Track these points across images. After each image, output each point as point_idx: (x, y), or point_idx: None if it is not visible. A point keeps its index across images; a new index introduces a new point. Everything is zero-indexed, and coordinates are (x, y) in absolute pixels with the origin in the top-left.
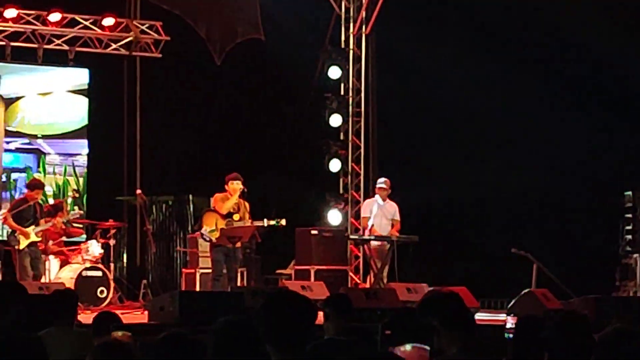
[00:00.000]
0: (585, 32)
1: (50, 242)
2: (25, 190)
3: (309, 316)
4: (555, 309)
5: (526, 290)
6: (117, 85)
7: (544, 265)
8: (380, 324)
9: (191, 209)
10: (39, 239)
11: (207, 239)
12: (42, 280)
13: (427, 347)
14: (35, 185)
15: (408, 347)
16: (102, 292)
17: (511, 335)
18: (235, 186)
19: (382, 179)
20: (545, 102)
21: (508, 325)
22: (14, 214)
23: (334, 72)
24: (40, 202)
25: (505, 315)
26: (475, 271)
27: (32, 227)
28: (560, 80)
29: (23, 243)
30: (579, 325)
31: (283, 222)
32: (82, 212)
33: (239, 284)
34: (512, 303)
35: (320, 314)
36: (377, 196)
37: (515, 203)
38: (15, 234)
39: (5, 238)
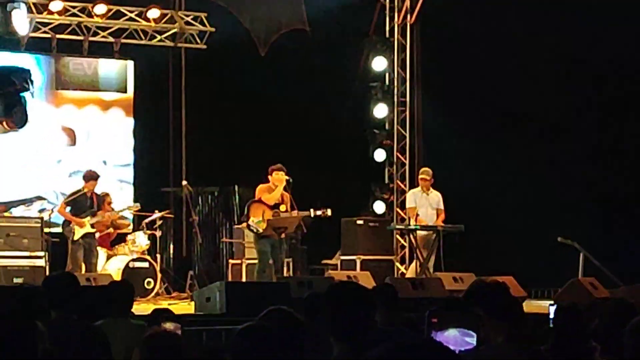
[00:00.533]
0: None
1: (97, 234)
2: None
3: (370, 307)
4: (603, 298)
5: (573, 279)
6: (162, 76)
7: (590, 254)
8: (428, 311)
9: (237, 199)
10: (94, 230)
11: (255, 230)
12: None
13: (473, 333)
14: (91, 177)
15: (452, 332)
16: (149, 283)
17: None
18: (281, 177)
19: (424, 169)
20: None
21: (552, 315)
22: (70, 205)
23: (379, 62)
24: (96, 193)
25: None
26: (522, 260)
27: (88, 217)
28: None
29: (78, 234)
30: (628, 314)
31: (329, 212)
32: (139, 205)
33: (285, 274)
34: (559, 292)
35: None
36: (420, 186)
37: (563, 191)
38: (70, 225)
39: (60, 230)
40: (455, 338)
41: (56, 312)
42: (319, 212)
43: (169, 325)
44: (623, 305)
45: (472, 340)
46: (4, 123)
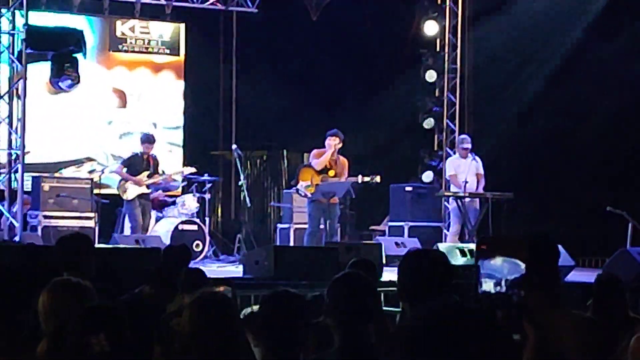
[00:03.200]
0: None
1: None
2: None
3: (447, 274)
4: None
5: (621, 249)
6: (213, 40)
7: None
8: (478, 239)
9: (285, 164)
10: (149, 191)
11: (303, 194)
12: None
13: (520, 262)
14: (147, 139)
15: (499, 260)
16: (197, 245)
17: None
18: (331, 142)
19: (462, 137)
20: None
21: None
22: (126, 166)
23: (430, 28)
24: (152, 156)
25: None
26: (571, 229)
27: (145, 178)
28: None
29: (133, 193)
30: None
31: (378, 179)
32: (194, 169)
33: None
34: (607, 262)
35: None
36: (458, 154)
37: (612, 160)
38: (126, 184)
39: (109, 192)
40: (502, 266)
41: (69, 273)
42: (367, 179)
43: (221, 288)
44: None
45: (520, 268)
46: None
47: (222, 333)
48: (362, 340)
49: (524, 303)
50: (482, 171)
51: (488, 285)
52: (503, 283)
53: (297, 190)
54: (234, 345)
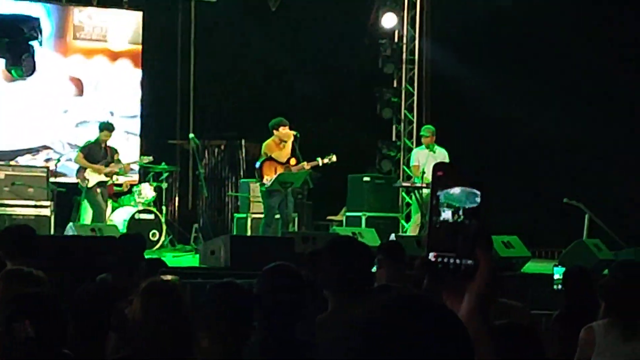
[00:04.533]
0: None
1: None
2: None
3: (368, 263)
4: (608, 260)
5: (578, 240)
6: (171, 29)
7: (596, 216)
8: (433, 165)
9: (243, 154)
10: (107, 179)
11: (269, 187)
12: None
13: (477, 191)
14: (106, 127)
15: (457, 189)
16: (154, 235)
17: (560, 287)
18: (286, 131)
19: (424, 127)
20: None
21: (556, 277)
22: (85, 153)
23: (389, 19)
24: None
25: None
26: (527, 220)
27: (103, 167)
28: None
29: (93, 181)
30: (637, 276)
31: (334, 158)
32: (151, 158)
33: (290, 229)
34: (563, 253)
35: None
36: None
37: (569, 151)
38: (85, 173)
39: (65, 180)
40: (461, 196)
41: (12, 263)
42: (325, 160)
43: (168, 278)
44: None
45: (477, 197)
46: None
47: (171, 321)
48: (285, 336)
49: (479, 232)
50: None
51: (447, 214)
52: (461, 212)
53: (263, 185)
54: (183, 333)
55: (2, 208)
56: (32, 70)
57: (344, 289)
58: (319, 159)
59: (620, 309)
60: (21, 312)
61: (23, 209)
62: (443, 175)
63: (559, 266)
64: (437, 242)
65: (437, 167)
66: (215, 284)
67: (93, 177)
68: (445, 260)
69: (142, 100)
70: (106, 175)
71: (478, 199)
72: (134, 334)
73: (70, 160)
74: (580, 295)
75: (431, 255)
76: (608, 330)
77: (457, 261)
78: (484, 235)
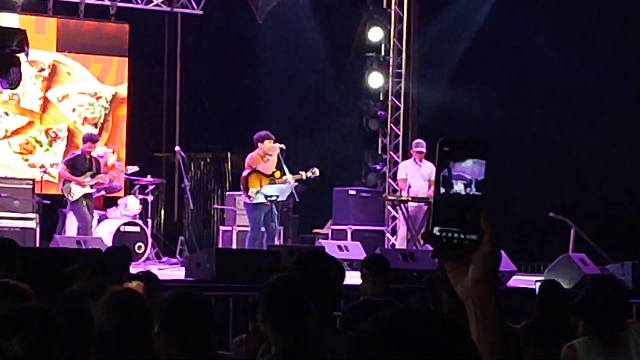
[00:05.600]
0: None
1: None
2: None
3: (338, 276)
4: (593, 275)
5: (564, 255)
6: (157, 41)
7: (582, 230)
8: (439, 141)
9: (229, 166)
10: (93, 191)
11: (254, 200)
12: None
13: (483, 161)
14: (90, 139)
15: (469, 162)
16: (139, 247)
17: None
18: (271, 144)
19: (417, 141)
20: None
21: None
22: (69, 166)
23: (375, 33)
24: (93, 156)
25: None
26: (513, 234)
27: (88, 178)
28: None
29: (77, 194)
30: (612, 291)
31: (317, 172)
32: (137, 168)
33: (276, 242)
34: (549, 267)
35: (358, 274)
36: (413, 158)
37: (555, 165)
38: (70, 185)
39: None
40: (472, 168)
41: None
42: (308, 174)
43: (132, 284)
44: (609, 281)
45: (484, 170)
46: None
47: (133, 328)
48: (301, 344)
49: (483, 204)
50: (434, 177)
51: (459, 187)
52: (473, 185)
53: (250, 198)
54: (145, 339)
55: None
56: (18, 82)
57: (301, 308)
58: (303, 173)
59: (599, 326)
60: (9, 331)
61: (8, 221)
62: (449, 151)
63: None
64: (441, 216)
65: (444, 142)
66: (172, 294)
67: (78, 189)
68: (450, 234)
69: (128, 113)
70: (91, 187)
71: (483, 171)
72: (100, 343)
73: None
74: (552, 308)
75: (436, 230)
76: (590, 348)
77: (462, 236)
78: (488, 208)
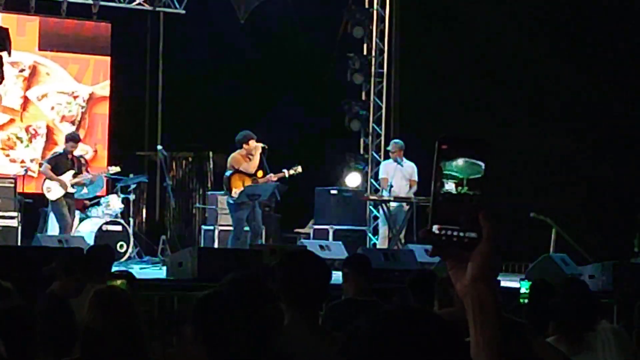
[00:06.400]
0: None
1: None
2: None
3: (324, 277)
4: (575, 274)
5: (544, 255)
6: (140, 40)
7: (563, 231)
8: (438, 139)
9: (211, 165)
10: (74, 191)
11: (237, 199)
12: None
13: (480, 163)
14: (72, 138)
15: (461, 161)
16: (121, 246)
17: (526, 300)
18: (254, 144)
19: (393, 141)
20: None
21: (522, 291)
22: (51, 164)
23: (357, 32)
24: (76, 155)
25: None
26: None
27: (70, 178)
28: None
29: (58, 193)
30: (579, 294)
31: (299, 169)
32: (119, 168)
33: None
34: (529, 267)
35: (339, 274)
36: (391, 157)
37: (537, 167)
38: (51, 184)
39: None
40: (464, 167)
41: None
42: (291, 171)
43: (117, 282)
44: (578, 283)
45: (480, 169)
46: None
47: (121, 325)
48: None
49: (482, 203)
50: (415, 177)
51: (450, 186)
52: (465, 183)
53: (232, 198)
54: (135, 335)
55: None
56: (1, 79)
57: (298, 302)
58: (285, 171)
59: (565, 326)
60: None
61: None
62: (447, 148)
63: (525, 280)
64: (440, 215)
65: (442, 140)
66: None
67: (58, 189)
68: (449, 232)
69: (110, 111)
70: (72, 186)
71: (482, 170)
72: (85, 339)
73: (40, 171)
74: (541, 309)
75: (435, 228)
76: (558, 344)
77: (461, 234)
78: (487, 206)
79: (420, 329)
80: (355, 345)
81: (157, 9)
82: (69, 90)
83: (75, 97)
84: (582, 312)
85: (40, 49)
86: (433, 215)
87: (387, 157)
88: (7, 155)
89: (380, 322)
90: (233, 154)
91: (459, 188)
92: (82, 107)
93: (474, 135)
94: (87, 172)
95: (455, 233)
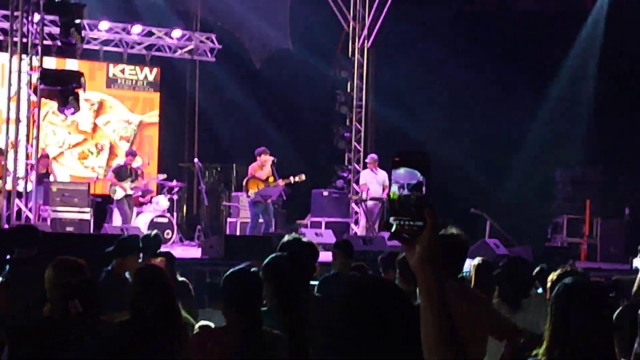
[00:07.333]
0: None
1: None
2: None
3: (311, 256)
4: (503, 255)
5: (481, 240)
6: (181, 81)
7: (495, 222)
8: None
9: (234, 174)
10: (132, 193)
11: (253, 198)
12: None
13: (416, 171)
14: (131, 153)
15: (402, 170)
16: (167, 234)
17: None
18: (268, 157)
19: (370, 155)
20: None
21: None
22: (115, 173)
23: (344, 75)
24: (133, 165)
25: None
26: (443, 226)
27: (129, 183)
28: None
29: (120, 194)
30: (520, 267)
31: (303, 177)
32: (165, 175)
33: (270, 231)
34: (470, 250)
35: (330, 254)
36: (370, 168)
37: (476, 173)
38: (115, 188)
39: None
40: (404, 174)
41: (19, 251)
42: (296, 178)
43: (156, 260)
44: (518, 260)
45: (417, 176)
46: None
47: (156, 297)
48: (295, 302)
49: (422, 201)
50: (387, 182)
51: (394, 189)
52: (405, 187)
53: (249, 196)
54: (168, 302)
55: (55, 213)
56: (76, 110)
57: (287, 279)
58: (292, 177)
59: (506, 292)
60: (72, 294)
61: (69, 214)
62: (398, 160)
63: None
64: (394, 209)
65: (395, 154)
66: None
67: (120, 191)
68: (402, 222)
69: (159, 133)
70: (131, 189)
71: (419, 177)
72: (132, 304)
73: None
74: (486, 281)
75: (391, 219)
76: (500, 306)
77: (411, 222)
78: (426, 203)
79: (381, 295)
80: (336, 305)
81: (195, 58)
82: (125, 118)
83: (129, 123)
84: (520, 283)
85: (105, 88)
86: (389, 210)
87: (365, 167)
88: (82, 163)
89: (354, 290)
90: (251, 164)
91: (401, 190)
92: (134, 130)
93: (418, 149)
94: (142, 179)
95: (406, 222)
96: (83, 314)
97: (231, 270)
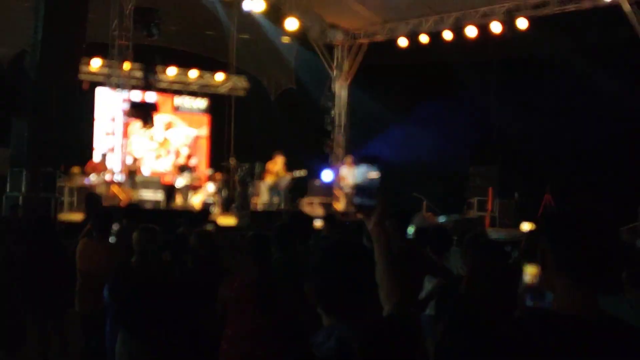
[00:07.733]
0: None
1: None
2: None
3: (307, 224)
4: (434, 224)
5: (418, 213)
6: (223, 107)
7: (429, 201)
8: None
9: (257, 169)
10: (190, 182)
11: (270, 186)
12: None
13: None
14: (188, 155)
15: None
16: (213, 208)
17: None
18: (281, 157)
19: (347, 156)
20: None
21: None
22: (178, 169)
23: (330, 104)
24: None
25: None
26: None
27: (187, 177)
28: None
29: (181, 183)
30: (443, 234)
31: (304, 172)
32: (214, 170)
33: (280, 207)
34: (412, 222)
35: (321, 222)
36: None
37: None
38: (177, 178)
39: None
40: (361, 170)
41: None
42: (299, 173)
43: (207, 226)
44: (442, 229)
45: (373, 170)
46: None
47: (207, 252)
48: (295, 254)
49: (377, 187)
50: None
51: (359, 178)
52: (361, 179)
53: (268, 186)
54: (215, 259)
55: (139, 195)
56: (153, 125)
57: (290, 239)
58: (296, 172)
59: (435, 248)
60: (163, 246)
61: (149, 197)
62: (360, 160)
63: (411, 226)
64: (357, 193)
65: (361, 158)
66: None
67: (181, 181)
68: (365, 202)
69: (208, 142)
70: (189, 180)
71: (373, 171)
72: (192, 255)
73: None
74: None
75: (356, 199)
76: (431, 256)
77: (369, 202)
78: (380, 189)
79: (349, 251)
80: (315, 259)
81: (230, 93)
82: (185, 133)
83: (188, 136)
84: (442, 241)
85: (172, 112)
86: (356, 193)
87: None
88: (157, 162)
89: (329, 247)
90: (268, 162)
91: (360, 181)
92: (192, 140)
93: (376, 153)
94: (195, 172)
95: (367, 201)
96: (170, 262)
97: (252, 233)
